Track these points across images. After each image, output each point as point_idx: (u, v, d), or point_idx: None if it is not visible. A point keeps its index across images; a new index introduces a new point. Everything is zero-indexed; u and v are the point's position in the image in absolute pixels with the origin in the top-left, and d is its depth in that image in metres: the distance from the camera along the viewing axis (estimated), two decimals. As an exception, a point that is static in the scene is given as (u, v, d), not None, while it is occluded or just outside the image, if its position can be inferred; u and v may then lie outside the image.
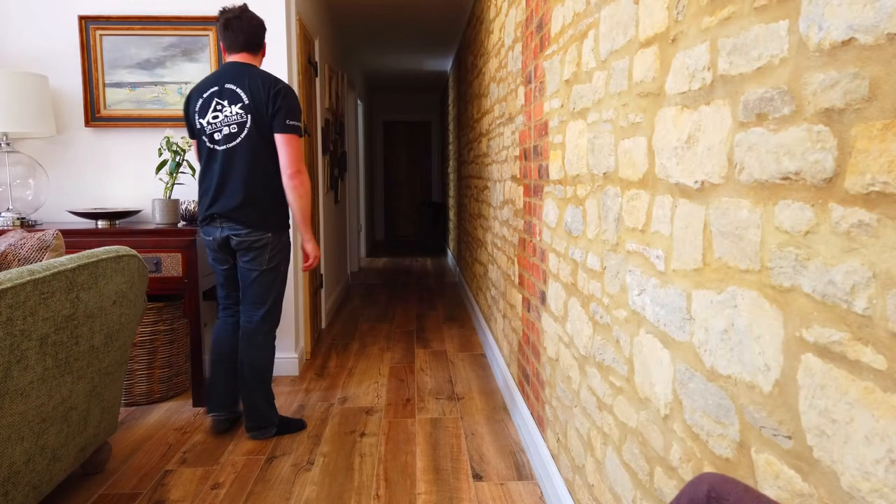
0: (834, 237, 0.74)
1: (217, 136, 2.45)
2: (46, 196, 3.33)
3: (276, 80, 2.42)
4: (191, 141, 2.92)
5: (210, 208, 2.49)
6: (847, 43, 0.71)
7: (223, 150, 2.45)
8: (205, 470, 2.41)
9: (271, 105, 2.38)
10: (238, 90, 2.41)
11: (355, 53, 7.18)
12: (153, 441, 2.67)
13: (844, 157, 0.72)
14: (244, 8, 2.49)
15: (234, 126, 2.42)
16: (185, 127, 3.04)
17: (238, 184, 2.44)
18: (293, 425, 2.74)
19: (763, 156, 0.89)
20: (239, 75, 2.43)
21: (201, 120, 2.48)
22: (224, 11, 2.47)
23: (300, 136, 2.46)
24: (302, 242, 2.64)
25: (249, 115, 2.40)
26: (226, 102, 2.42)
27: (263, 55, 2.59)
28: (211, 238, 2.54)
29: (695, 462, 1.13)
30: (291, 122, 2.41)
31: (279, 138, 2.41)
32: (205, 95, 2.47)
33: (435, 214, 9.45)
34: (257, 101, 2.39)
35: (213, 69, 3.34)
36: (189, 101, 2.54)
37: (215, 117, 2.44)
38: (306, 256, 2.66)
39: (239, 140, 2.42)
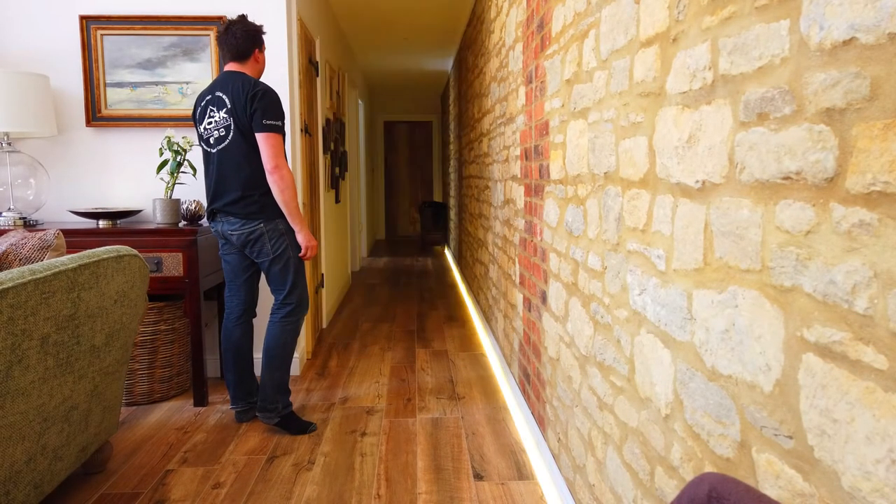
0: (835, 237, 0.74)
1: (211, 140, 2.65)
2: (47, 196, 3.33)
3: (255, 84, 2.58)
4: (191, 140, 3.16)
5: (211, 205, 2.70)
6: (848, 42, 0.71)
7: (216, 151, 2.65)
8: (206, 469, 2.41)
9: (249, 107, 2.55)
10: (223, 96, 2.60)
11: (356, 53, 7.18)
12: (154, 441, 2.67)
13: (845, 157, 0.72)
14: (234, 21, 2.67)
15: (222, 129, 2.61)
16: (187, 127, 3.42)
17: (230, 181, 2.63)
18: (298, 425, 2.74)
19: (764, 155, 0.89)
20: (226, 83, 2.61)
21: (200, 127, 2.69)
22: (220, 26, 2.70)
23: (280, 133, 2.60)
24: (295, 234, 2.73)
25: (232, 119, 2.58)
26: (215, 109, 2.62)
27: (258, 62, 2.73)
28: (215, 230, 2.75)
29: (695, 462, 1.13)
30: (268, 122, 2.56)
31: (258, 137, 2.57)
32: (202, 104, 2.68)
33: (435, 214, 9.44)
34: (237, 104, 2.56)
35: (214, 69, 3.35)
36: (194, 111, 2.75)
37: (209, 123, 2.64)
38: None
39: (227, 142, 2.61)
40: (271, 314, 2.76)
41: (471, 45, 5.23)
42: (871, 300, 0.69)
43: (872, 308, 0.68)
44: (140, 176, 3.43)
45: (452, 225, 7.87)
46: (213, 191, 2.67)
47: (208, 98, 2.64)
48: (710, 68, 1.05)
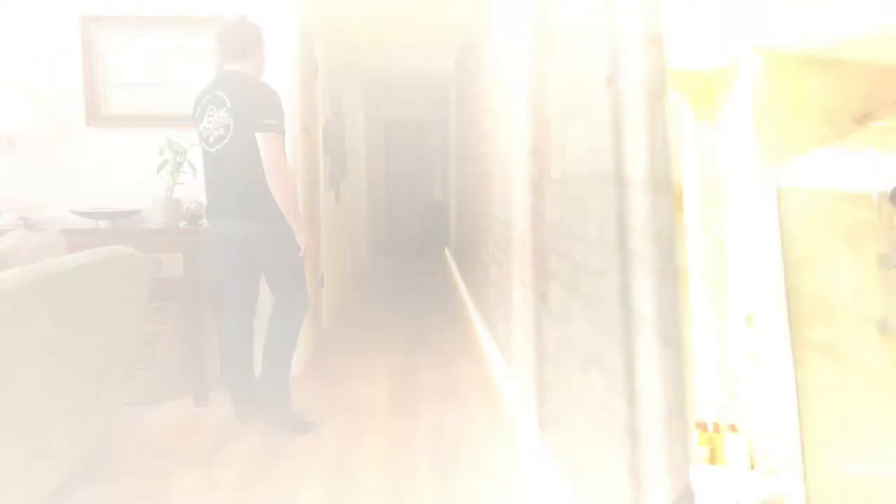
0: None
1: (211, 140, 2.63)
2: (48, 196, 3.33)
3: (255, 83, 2.59)
4: (191, 140, 3.12)
5: (211, 204, 2.70)
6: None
7: (215, 151, 2.63)
8: (206, 469, 2.41)
9: (249, 106, 2.54)
10: (223, 96, 2.58)
11: (356, 52, 7.18)
12: (154, 441, 2.67)
13: None
14: (235, 20, 2.67)
15: (222, 129, 2.58)
16: (187, 127, 3.31)
17: (229, 182, 2.62)
18: (298, 425, 2.74)
19: None
20: (226, 82, 2.61)
21: (199, 126, 2.67)
22: (221, 25, 2.72)
23: (279, 133, 2.58)
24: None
25: (232, 118, 2.56)
26: (215, 108, 2.60)
27: (258, 61, 2.72)
28: (215, 230, 2.75)
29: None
30: (268, 122, 2.54)
31: (258, 137, 2.54)
32: (201, 103, 2.66)
33: (436, 214, 9.44)
34: (237, 104, 2.55)
35: (214, 68, 3.34)
36: (193, 110, 2.72)
37: (209, 122, 2.62)
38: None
39: (226, 142, 2.59)
40: (271, 314, 2.75)
41: (471, 44, 5.23)
42: None
43: None
44: (140, 176, 3.42)
45: (452, 225, 7.87)
46: (213, 190, 2.66)
47: (208, 97, 2.63)
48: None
